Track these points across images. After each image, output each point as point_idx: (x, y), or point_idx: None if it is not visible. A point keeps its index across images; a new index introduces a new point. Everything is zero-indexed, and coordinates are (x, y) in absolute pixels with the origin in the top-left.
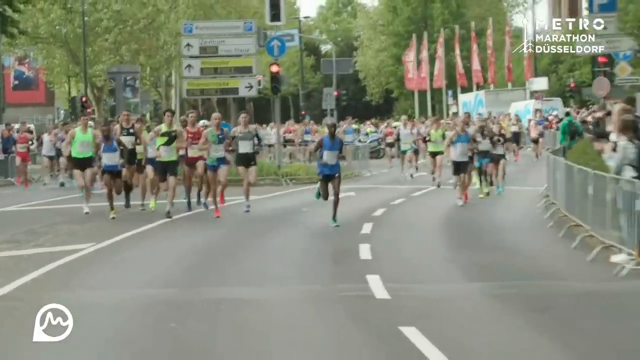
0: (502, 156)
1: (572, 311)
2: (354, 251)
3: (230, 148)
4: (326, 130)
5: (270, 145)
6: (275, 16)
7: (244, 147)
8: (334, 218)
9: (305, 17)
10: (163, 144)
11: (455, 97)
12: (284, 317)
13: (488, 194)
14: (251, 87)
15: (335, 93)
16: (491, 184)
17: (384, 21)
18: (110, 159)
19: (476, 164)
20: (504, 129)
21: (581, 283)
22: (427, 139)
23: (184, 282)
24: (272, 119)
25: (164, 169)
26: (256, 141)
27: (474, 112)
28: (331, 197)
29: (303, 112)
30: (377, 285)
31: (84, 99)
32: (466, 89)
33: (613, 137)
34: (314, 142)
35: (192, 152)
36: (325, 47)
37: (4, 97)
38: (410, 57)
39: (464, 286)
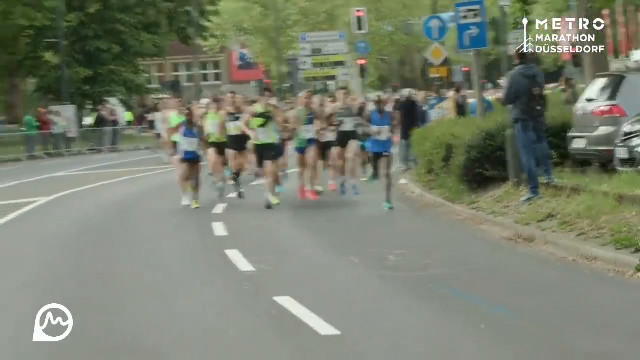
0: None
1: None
2: None
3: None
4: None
5: None
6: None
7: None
8: (387, 200)
9: None
10: (259, 126)
11: None
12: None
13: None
14: (346, 74)
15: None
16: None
17: None
18: (190, 144)
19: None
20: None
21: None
22: None
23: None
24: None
25: (261, 153)
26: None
27: None
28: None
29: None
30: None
31: (267, 81)
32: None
33: None
34: None
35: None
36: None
37: (229, 75)
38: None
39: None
